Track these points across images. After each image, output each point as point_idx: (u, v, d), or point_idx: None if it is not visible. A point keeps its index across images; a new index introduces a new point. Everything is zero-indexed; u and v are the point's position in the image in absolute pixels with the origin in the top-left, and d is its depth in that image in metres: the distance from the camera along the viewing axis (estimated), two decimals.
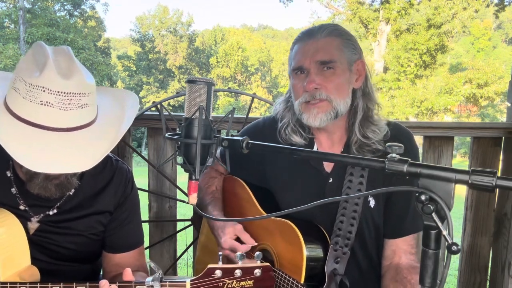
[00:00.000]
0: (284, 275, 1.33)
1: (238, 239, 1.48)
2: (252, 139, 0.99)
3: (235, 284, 1.09)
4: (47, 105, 1.12)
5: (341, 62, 1.38)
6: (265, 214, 1.50)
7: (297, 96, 1.42)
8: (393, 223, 1.46)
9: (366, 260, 1.48)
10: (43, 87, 1.11)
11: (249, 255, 1.49)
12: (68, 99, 1.13)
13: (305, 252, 1.31)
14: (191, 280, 1.10)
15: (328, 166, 1.48)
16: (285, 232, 1.39)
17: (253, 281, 1.09)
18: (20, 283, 1.15)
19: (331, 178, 1.47)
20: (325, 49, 1.37)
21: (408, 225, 1.44)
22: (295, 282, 1.29)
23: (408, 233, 1.45)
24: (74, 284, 1.14)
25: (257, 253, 1.12)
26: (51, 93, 1.11)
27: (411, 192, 1.40)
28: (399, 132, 1.47)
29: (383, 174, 1.40)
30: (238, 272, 1.09)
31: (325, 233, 1.41)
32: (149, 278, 1.12)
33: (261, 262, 1.14)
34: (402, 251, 1.44)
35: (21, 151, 1.09)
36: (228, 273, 1.09)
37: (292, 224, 1.37)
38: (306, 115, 1.40)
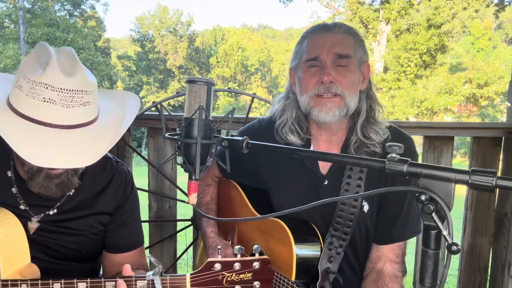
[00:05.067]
0: (275, 272, 1.34)
1: None
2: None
3: (234, 277, 1.10)
4: (50, 102, 1.12)
5: (354, 59, 1.37)
6: (258, 215, 1.51)
7: (306, 90, 1.38)
8: (382, 229, 1.46)
9: (356, 261, 1.49)
10: (46, 84, 1.12)
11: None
12: (70, 96, 1.14)
13: (295, 251, 1.32)
14: (191, 274, 1.11)
15: (323, 168, 1.47)
16: (276, 231, 1.40)
17: (252, 273, 1.10)
18: (21, 280, 1.16)
19: (326, 181, 1.46)
20: (343, 44, 1.36)
21: (395, 233, 1.44)
22: (286, 280, 1.29)
23: (394, 241, 1.45)
24: (75, 280, 1.15)
25: (255, 246, 1.13)
26: (54, 90, 1.12)
27: (403, 200, 1.42)
28: (400, 138, 1.46)
29: (379, 178, 1.41)
30: (237, 265, 1.10)
31: (318, 232, 1.41)
32: (150, 273, 1.12)
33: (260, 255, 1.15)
34: (387, 259, 1.45)
35: (24, 148, 1.10)
36: (227, 266, 1.10)
37: (283, 223, 1.37)
38: (317, 109, 1.36)
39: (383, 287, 1.39)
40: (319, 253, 1.38)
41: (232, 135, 1.03)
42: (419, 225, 1.47)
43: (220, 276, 1.10)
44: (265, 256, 1.12)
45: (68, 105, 1.14)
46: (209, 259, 1.11)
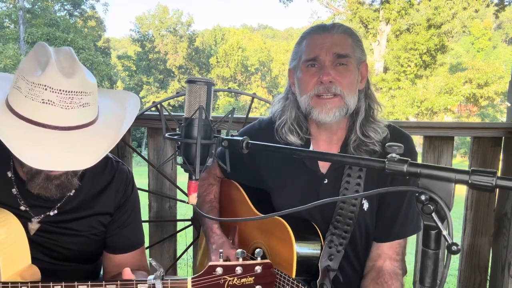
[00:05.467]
0: (276, 270, 1.34)
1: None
2: None
3: (236, 281, 1.09)
4: (49, 104, 1.12)
5: (353, 59, 1.38)
6: (259, 215, 1.52)
7: (306, 90, 1.39)
8: (382, 227, 1.46)
9: (356, 259, 1.50)
10: (45, 86, 1.11)
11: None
12: (69, 98, 1.13)
13: (296, 248, 1.32)
14: (192, 278, 1.11)
15: (323, 167, 1.48)
16: (277, 229, 1.40)
17: (253, 277, 1.10)
18: (22, 282, 1.15)
19: (326, 179, 1.46)
20: (341, 44, 1.37)
21: (395, 231, 1.45)
22: (286, 277, 1.30)
23: (394, 239, 1.45)
24: (76, 283, 1.14)
25: (258, 250, 1.13)
26: (53, 92, 1.12)
27: (403, 198, 1.42)
28: (399, 137, 1.46)
29: (379, 176, 1.41)
30: (239, 269, 1.09)
31: (318, 230, 1.42)
32: (151, 276, 1.12)
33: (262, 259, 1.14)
34: (387, 256, 1.45)
35: (23, 149, 1.09)
36: (229, 270, 1.09)
37: (284, 222, 1.38)
38: (317, 110, 1.36)
39: (383, 284, 1.39)
40: (319, 251, 1.38)
41: (232, 135, 1.03)
42: (419, 223, 1.47)
43: (222, 280, 1.09)
44: (267, 260, 1.12)
45: (68, 106, 1.14)
46: (210, 263, 1.10)
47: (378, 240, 1.47)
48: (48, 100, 1.12)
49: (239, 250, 1.12)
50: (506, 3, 21.52)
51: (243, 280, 1.09)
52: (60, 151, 1.12)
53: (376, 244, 1.48)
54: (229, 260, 1.47)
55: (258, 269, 1.10)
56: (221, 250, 1.19)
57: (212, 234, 1.57)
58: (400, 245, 1.46)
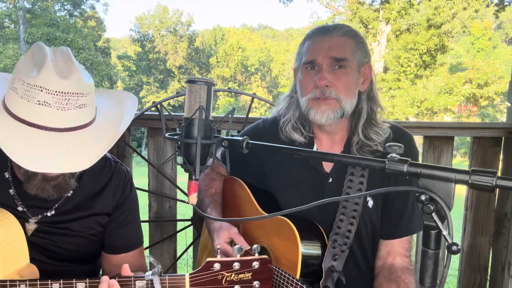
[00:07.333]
0: (280, 270, 1.34)
1: (233, 242, 1.49)
2: (252, 140, 1.00)
3: (233, 277, 1.09)
4: (45, 105, 1.11)
5: (352, 62, 1.38)
6: (264, 213, 1.51)
7: (305, 92, 1.41)
8: (389, 224, 1.47)
9: (363, 259, 1.49)
10: (40, 87, 1.10)
11: (246, 253, 1.49)
12: (65, 99, 1.12)
13: (301, 248, 1.32)
14: (190, 274, 1.11)
15: (327, 166, 1.48)
16: (282, 229, 1.40)
17: (251, 273, 1.10)
18: (20, 280, 1.16)
19: (330, 178, 1.47)
20: (340, 47, 1.37)
21: (403, 227, 1.45)
22: (291, 278, 1.29)
23: (402, 235, 1.46)
24: (74, 280, 1.15)
25: (255, 245, 1.13)
26: (48, 93, 1.11)
27: (408, 194, 1.43)
28: (400, 135, 1.47)
29: (382, 175, 1.42)
30: (236, 265, 1.09)
31: (323, 230, 1.42)
32: (149, 273, 1.12)
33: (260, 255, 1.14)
34: (397, 253, 1.45)
35: (19, 151, 1.08)
36: (226, 266, 1.10)
37: (289, 221, 1.37)
38: (313, 111, 1.38)
39: (396, 279, 1.39)
40: (323, 251, 1.38)
41: (232, 135, 1.03)
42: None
43: (220, 276, 1.10)
44: (265, 256, 1.12)
45: (64, 107, 1.13)
46: (208, 259, 1.10)
47: (386, 237, 1.48)
48: (44, 102, 1.11)
49: (236, 246, 1.12)
50: (506, 3, 21.51)
51: (241, 275, 1.10)
52: (57, 153, 1.12)
53: (384, 242, 1.48)
54: (231, 239, 1.48)
55: (255, 264, 1.10)
56: (218, 247, 1.19)
57: (210, 224, 1.56)
58: (408, 242, 1.47)
